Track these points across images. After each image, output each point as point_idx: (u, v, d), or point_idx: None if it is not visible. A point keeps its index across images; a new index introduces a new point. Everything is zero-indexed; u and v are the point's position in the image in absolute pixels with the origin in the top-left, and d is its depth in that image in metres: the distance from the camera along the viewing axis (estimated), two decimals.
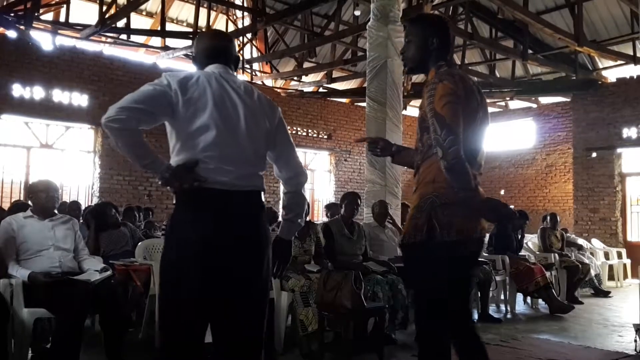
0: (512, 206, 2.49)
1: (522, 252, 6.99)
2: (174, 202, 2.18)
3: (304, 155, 12.57)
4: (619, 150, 10.95)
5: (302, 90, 12.63)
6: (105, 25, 8.94)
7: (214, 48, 2.27)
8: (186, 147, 2.07)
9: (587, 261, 7.81)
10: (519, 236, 6.85)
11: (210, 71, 2.20)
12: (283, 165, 2.34)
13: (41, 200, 3.74)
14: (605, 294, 7.89)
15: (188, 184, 2.02)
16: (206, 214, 2.03)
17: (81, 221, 6.29)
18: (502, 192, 13.42)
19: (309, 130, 12.43)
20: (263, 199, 2.22)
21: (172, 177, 2.04)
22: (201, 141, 2.06)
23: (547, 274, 6.44)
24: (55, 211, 3.90)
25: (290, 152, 2.35)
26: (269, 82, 12.53)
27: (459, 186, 2.14)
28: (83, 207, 7.32)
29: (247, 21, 11.56)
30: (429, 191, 2.25)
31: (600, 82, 11.40)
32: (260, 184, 2.19)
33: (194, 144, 2.06)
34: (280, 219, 5.65)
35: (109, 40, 10.38)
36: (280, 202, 11.74)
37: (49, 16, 10.02)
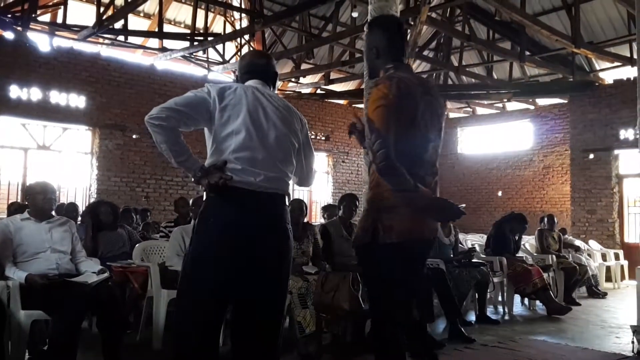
0: (463, 205, 2.58)
1: (520, 254, 7.00)
2: (204, 199, 2.35)
3: None
4: (616, 151, 10.97)
5: (300, 92, 12.63)
6: (102, 26, 8.93)
7: (252, 65, 2.51)
8: (219, 150, 2.28)
9: (584, 262, 7.83)
10: (517, 238, 6.86)
11: (250, 84, 2.43)
12: (299, 173, 2.57)
13: (38, 202, 3.73)
14: (600, 295, 7.89)
15: (214, 181, 2.19)
16: (230, 210, 2.23)
17: (79, 222, 6.29)
18: (500, 193, 13.44)
19: None
20: (287, 203, 2.40)
21: (203, 176, 2.23)
22: (232, 144, 2.26)
23: (545, 275, 6.45)
24: (53, 213, 3.89)
25: (309, 166, 2.60)
26: None
27: (394, 188, 2.21)
28: (80, 209, 7.31)
29: (245, 23, 11.54)
30: (374, 195, 2.35)
31: (597, 84, 11.43)
32: (286, 188, 2.39)
33: (225, 147, 2.27)
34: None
35: (106, 41, 10.36)
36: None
37: (46, 17, 9.99)
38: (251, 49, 12.19)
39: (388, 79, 2.31)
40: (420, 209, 2.24)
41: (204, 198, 2.34)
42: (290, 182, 2.44)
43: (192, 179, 2.30)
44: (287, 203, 2.40)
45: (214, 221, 2.24)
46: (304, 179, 2.63)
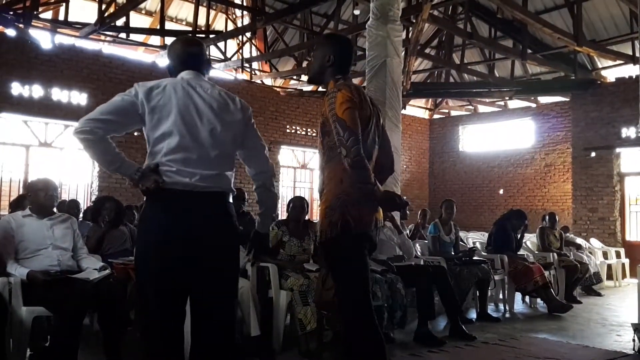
0: (405, 197, 3.02)
1: (521, 252, 7.00)
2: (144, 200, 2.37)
3: (303, 154, 12.58)
4: (617, 150, 10.95)
5: (302, 90, 12.63)
6: (104, 23, 8.94)
7: (184, 54, 2.44)
8: (153, 152, 2.28)
9: (586, 260, 7.82)
10: (519, 236, 6.85)
11: (179, 78, 2.37)
12: (251, 163, 2.55)
13: (40, 199, 3.73)
14: (595, 294, 7.89)
15: (149, 185, 2.21)
16: (165, 212, 2.24)
17: (80, 219, 6.29)
18: (501, 191, 13.43)
19: (308, 129, 12.43)
20: (230, 199, 2.38)
21: (139, 179, 2.24)
22: (164, 146, 2.25)
23: (546, 273, 6.45)
24: (54, 210, 3.89)
25: (258, 152, 2.53)
26: (268, 81, 12.53)
27: (361, 181, 2.41)
28: (82, 206, 7.31)
29: (247, 20, 11.56)
30: (338, 191, 2.50)
31: (599, 82, 11.40)
32: (226, 186, 2.35)
33: (159, 149, 2.26)
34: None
35: (108, 39, 10.38)
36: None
37: (48, 14, 10.00)
38: (253, 46, 12.23)
39: (347, 86, 2.55)
40: (377, 200, 2.49)
41: (144, 199, 2.35)
42: (232, 176, 2.39)
43: (130, 183, 2.29)
44: (229, 199, 2.37)
45: (150, 224, 2.27)
46: (258, 167, 2.54)
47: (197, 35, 10.60)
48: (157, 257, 2.22)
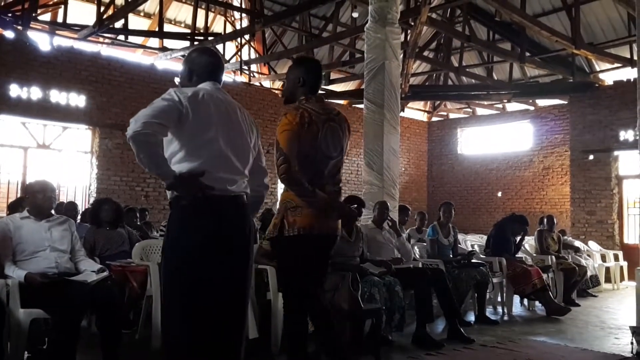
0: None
1: (519, 254, 7.00)
2: (173, 203, 2.36)
3: None
4: (615, 152, 10.97)
5: None
6: (103, 25, 8.94)
7: (211, 66, 2.52)
8: (192, 157, 2.30)
9: (584, 263, 7.83)
10: (517, 239, 6.85)
11: (209, 88, 2.44)
12: (255, 172, 2.63)
13: (38, 200, 3.72)
14: (590, 295, 7.91)
15: (195, 191, 2.22)
16: (211, 219, 2.31)
17: (78, 221, 6.29)
18: (500, 194, 13.44)
19: None
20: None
21: (179, 184, 2.23)
22: (207, 153, 2.32)
23: (544, 276, 6.46)
24: (52, 212, 3.88)
25: (262, 161, 2.72)
26: (266, 84, 12.53)
27: (297, 194, 2.83)
28: (80, 208, 7.31)
29: (245, 22, 11.56)
30: (284, 197, 2.92)
31: (597, 85, 11.43)
32: (247, 189, 2.51)
33: (199, 155, 2.31)
34: None
35: (106, 41, 10.37)
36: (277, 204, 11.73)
37: (46, 16, 10.00)
38: (252, 48, 12.23)
39: (295, 109, 2.90)
40: (320, 209, 2.85)
41: (175, 205, 2.34)
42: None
43: (166, 185, 2.28)
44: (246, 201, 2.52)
45: (196, 231, 2.30)
46: (262, 175, 2.69)
47: (196, 37, 10.60)
48: (202, 263, 2.29)
